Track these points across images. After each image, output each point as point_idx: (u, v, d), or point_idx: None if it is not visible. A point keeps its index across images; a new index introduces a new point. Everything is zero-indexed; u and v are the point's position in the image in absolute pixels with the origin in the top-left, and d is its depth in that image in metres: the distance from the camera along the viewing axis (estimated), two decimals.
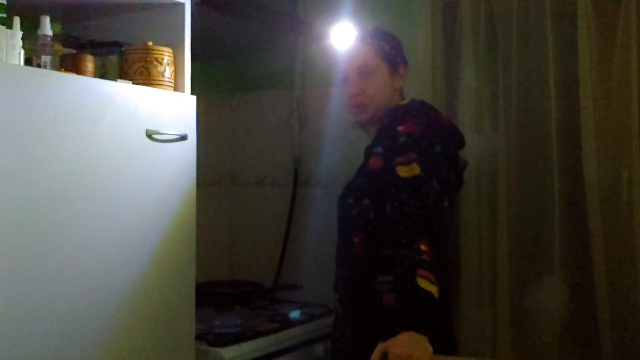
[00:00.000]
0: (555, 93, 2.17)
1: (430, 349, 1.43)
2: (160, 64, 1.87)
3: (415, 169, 1.65)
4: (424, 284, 1.51)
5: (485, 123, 2.28)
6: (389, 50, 1.90)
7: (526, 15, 2.22)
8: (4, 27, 1.55)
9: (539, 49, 2.20)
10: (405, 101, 1.90)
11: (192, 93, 1.96)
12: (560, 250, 2.14)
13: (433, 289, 1.51)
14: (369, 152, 1.85)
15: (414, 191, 1.63)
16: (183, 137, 1.88)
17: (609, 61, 2.08)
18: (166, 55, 1.89)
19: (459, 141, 1.88)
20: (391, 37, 1.95)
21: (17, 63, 1.56)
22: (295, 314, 2.37)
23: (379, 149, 1.78)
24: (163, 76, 1.88)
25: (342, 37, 2.00)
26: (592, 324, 2.08)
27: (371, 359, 1.43)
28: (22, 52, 1.59)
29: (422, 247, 1.55)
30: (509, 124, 2.24)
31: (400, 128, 1.73)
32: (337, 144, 2.56)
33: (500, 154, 2.24)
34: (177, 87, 1.94)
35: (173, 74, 1.92)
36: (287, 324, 2.27)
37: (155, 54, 1.87)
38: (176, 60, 1.93)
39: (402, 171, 1.66)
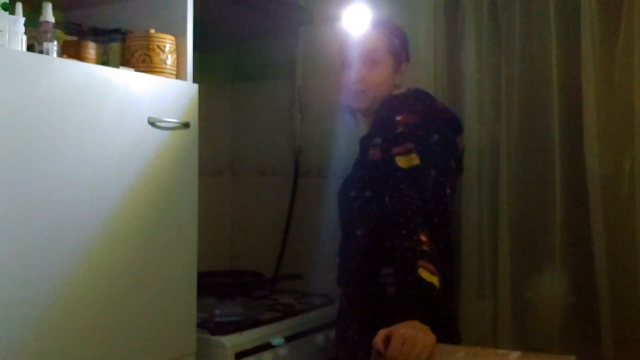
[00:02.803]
0: (558, 84, 2.16)
1: (433, 336, 1.43)
2: (163, 51, 1.86)
3: (414, 159, 1.65)
4: (425, 274, 1.52)
5: (487, 114, 2.28)
6: (398, 45, 1.89)
7: (529, 6, 2.22)
8: (7, 13, 1.54)
9: (542, 40, 2.19)
10: (401, 90, 1.89)
11: (193, 82, 1.95)
12: (562, 241, 2.14)
13: (434, 280, 1.52)
14: (366, 144, 1.83)
15: (412, 182, 1.63)
16: (185, 125, 1.87)
17: (612, 52, 2.08)
18: (168, 42, 1.88)
19: (457, 127, 1.87)
20: (401, 33, 1.94)
21: (19, 49, 1.55)
22: None
23: (377, 140, 1.77)
24: (165, 64, 1.87)
25: (354, 21, 1.97)
26: (593, 315, 2.08)
27: (374, 342, 1.43)
28: (24, 38, 1.58)
29: (423, 238, 1.56)
30: (510, 115, 2.23)
31: (398, 118, 1.73)
32: (338, 134, 2.56)
33: (502, 146, 2.23)
34: (179, 75, 1.93)
35: (175, 61, 1.91)
36: (288, 313, 2.27)
37: (158, 41, 1.86)
38: (178, 48, 1.92)
39: (401, 161, 1.66)
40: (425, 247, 1.55)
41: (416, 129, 1.70)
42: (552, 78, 2.17)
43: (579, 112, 2.11)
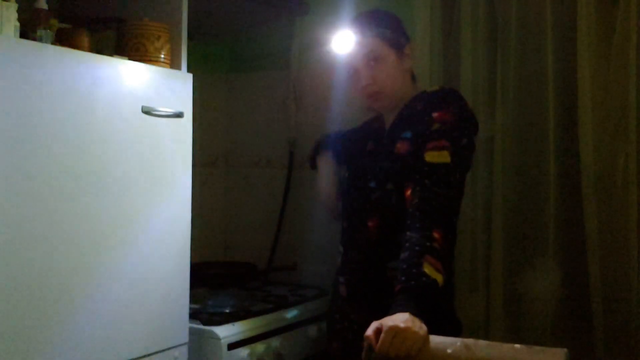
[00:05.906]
0: (553, 79, 2.16)
1: (425, 328, 1.43)
2: (157, 40, 1.85)
3: (446, 157, 1.66)
4: (429, 270, 1.52)
5: (482, 109, 2.27)
6: (391, 34, 1.85)
7: (526, 3, 2.21)
8: None
9: (538, 36, 2.19)
10: (435, 87, 1.88)
11: (187, 71, 1.94)
12: (555, 234, 2.14)
13: (438, 278, 1.53)
14: (392, 137, 1.82)
15: (439, 178, 1.64)
16: (179, 115, 1.86)
17: (608, 47, 2.08)
18: (163, 31, 1.87)
19: (477, 129, 1.85)
20: (389, 18, 1.90)
21: (12, 36, 1.54)
22: None
23: (407, 134, 1.77)
24: (159, 53, 1.86)
25: (341, 43, 1.96)
26: (585, 309, 2.09)
27: (365, 335, 1.43)
28: (18, 25, 1.57)
29: (435, 235, 1.57)
30: (506, 109, 2.23)
31: (435, 115, 1.72)
32: (333, 126, 2.55)
33: (497, 139, 2.23)
34: (174, 64, 1.92)
35: (169, 51, 1.90)
36: (281, 304, 2.27)
37: (152, 30, 1.85)
38: (173, 37, 1.91)
39: (431, 156, 1.66)
40: (435, 244, 1.56)
41: (452, 129, 1.71)
42: (548, 72, 2.17)
43: (574, 106, 2.11)
